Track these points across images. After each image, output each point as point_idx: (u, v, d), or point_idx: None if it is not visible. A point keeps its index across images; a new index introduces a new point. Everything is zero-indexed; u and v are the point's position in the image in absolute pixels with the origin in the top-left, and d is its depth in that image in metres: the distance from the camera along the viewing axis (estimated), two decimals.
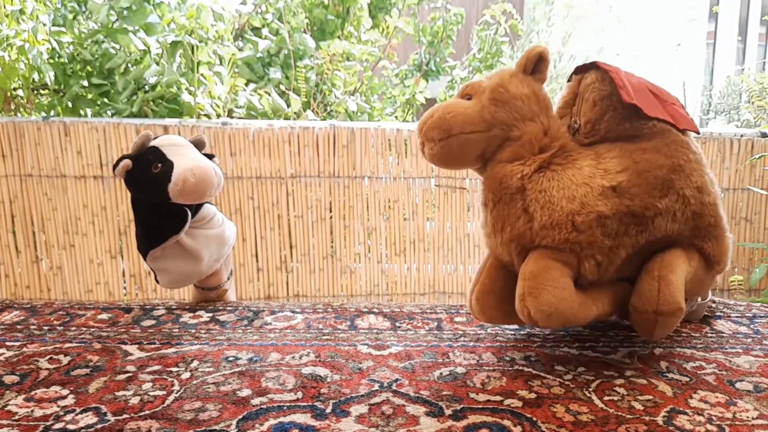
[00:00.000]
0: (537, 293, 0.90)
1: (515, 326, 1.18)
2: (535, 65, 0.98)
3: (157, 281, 1.36)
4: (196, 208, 1.31)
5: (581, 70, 1.04)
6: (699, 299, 1.21)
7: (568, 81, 1.07)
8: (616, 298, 1.00)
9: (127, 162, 1.22)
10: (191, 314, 1.29)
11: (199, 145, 1.33)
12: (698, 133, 1.03)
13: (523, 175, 0.95)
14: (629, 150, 0.97)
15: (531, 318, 0.91)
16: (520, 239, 0.95)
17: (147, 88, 3.06)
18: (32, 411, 0.83)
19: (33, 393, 0.89)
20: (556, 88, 4.97)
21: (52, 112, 3.28)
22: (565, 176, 0.94)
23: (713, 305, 1.36)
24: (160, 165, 1.22)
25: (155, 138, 1.29)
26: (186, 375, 0.95)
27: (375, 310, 1.32)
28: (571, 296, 0.92)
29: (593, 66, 1.02)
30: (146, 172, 1.23)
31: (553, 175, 0.95)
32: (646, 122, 0.98)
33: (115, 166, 1.23)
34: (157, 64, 3.02)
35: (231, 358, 1.02)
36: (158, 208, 1.27)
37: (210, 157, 1.32)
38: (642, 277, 0.97)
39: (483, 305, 1.04)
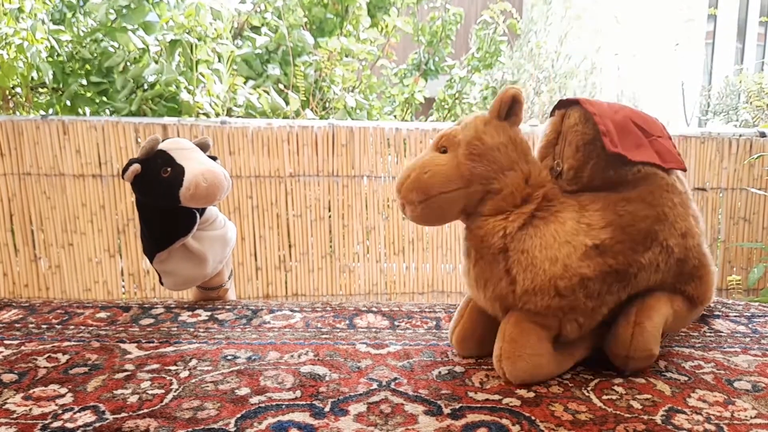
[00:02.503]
0: (514, 359, 0.91)
1: None
2: (509, 109, 0.94)
3: (162, 283, 1.36)
4: (201, 211, 1.32)
5: (564, 105, 1.00)
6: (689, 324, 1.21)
7: (551, 115, 1.03)
8: (593, 344, 1.00)
9: (136, 166, 1.23)
10: (190, 313, 1.29)
11: (203, 147, 1.33)
12: (684, 170, 1.00)
13: (506, 234, 0.92)
14: (613, 201, 0.94)
15: (507, 380, 0.92)
16: (502, 300, 0.94)
17: (146, 86, 3.06)
18: (30, 409, 0.83)
19: (31, 391, 0.89)
20: (554, 88, 4.98)
21: (50, 111, 3.28)
22: (548, 233, 0.92)
23: (712, 305, 1.36)
24: (170, 169, 1.23)
25: (162, 141, 1.29)
26: (185, 374, 0.95)
27: (374, 309, 1.32)
28: (547, 361, 0.93)
29: (575, 103, 0.98)
30: (156, 176, 1.23)
31: (536, 231, 0.92)
32: (630, 168, 0.95)
33: (124, 171, 1.23)
34: (156, 62, 3.02)
35: (229, 357, 1.02)
36: (166, 212, 1.27)
37: (213, 159, 1.32)
38: (619, 321, 0.96)
39: (463, 348, 1.04)
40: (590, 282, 0.90)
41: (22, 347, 1.07)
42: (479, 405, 0.84)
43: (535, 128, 2.42)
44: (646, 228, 0.93)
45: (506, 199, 0.94)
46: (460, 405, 0.84)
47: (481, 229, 0.95)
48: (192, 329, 1.18)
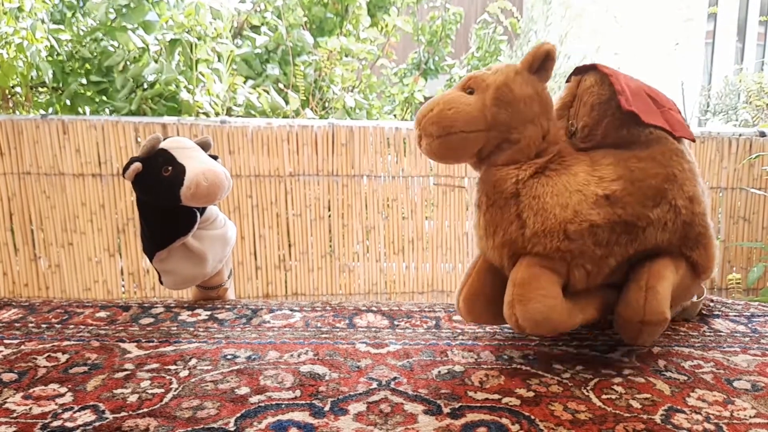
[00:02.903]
0: (526, 301, 0.90)
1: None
2: (541, 63, 0.96)
3: (162, 282, 1.36)
4: (202, 210, 1.32)
5: (580, 71, 1.03)
6: (695, 297, 1.21)
7: (567, 81, 1.06)
8: (603, 305, 1.00)
9: (137, 165, 1.22)
10: (189, 312, 1.29)
11: (204, 146, 1.33)
12: (693, 140, 1.03)
13: (518, 180, 0.94)
14: (624, 157, 0.96)
15: (519, 325, 0.91)
16: (511, 245, 0.95)
17: (145, 86, 3.06)
18: (30, 409, 0.83)
19: (31, 391, 0.89)
20: (554, 87, 4.98)
21: (50, 110, 3.28)
22: (560, 182, 0.93)
23: (711, 304, 1.36)
24: (171, 168, 1.22)
25: (163, 140, 1.29)
26: (184, 373, 0.95)
27: (373, 308, 1.32)
28: (559, 305, 0.92)
29: (592, 68, 1.01)
30: (157, 175, 1.23)
31: (548, 180, 0.94)
32: (642, 129, 0.97)
33: (125, 169, 1.23)
34: (156, 61, 3.02)
35: (229, 356, 1.02)
36: (166, 211, 1.27)
37: (214, 158, 1.32)
38: (629, 286, 0.97)
39: (470, 307, 1.03)
40: (599, 229, 0.92)
41: (22, 346, 1.07)
42: (479, 404, 0.84)
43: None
44: (656, 185, 0.94)
45: (522, 151, 0.95)
46: (460, 404, 0.84)
47: (493, 176, 0.96)
48: (192, 329, 1.18)
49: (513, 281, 0.93)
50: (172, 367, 0.97)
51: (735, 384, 0.93)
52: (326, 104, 3.56)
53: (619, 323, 0.98)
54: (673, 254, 0.99)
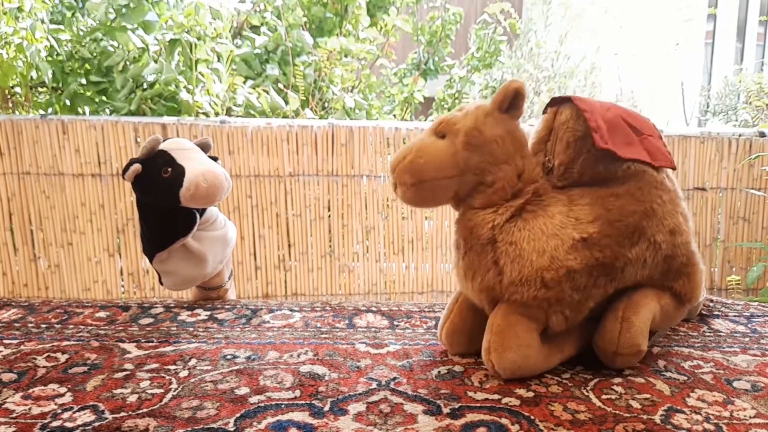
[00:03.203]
0: (502, 350, 0.91)
1: None
2: (512, 101, 0.94)
3: (162, 283, 1.36)
4: (202, 211, 1.32)
5: (556, 103, 1.01)
6: (676, 323, 1.21)
7: (544, 113, 1.04)
8: (581, 341, 1.00)
9: (137, 166, 1.22)
10: (189, 312, 1.29)
11: (204, 147, 1.33)
12: (674, 168, 1.01)
13: (494, 225, 0.93)
14: (601, 196, 0.95)
15: (495, 372, 0.93)
16: (489, 291, 0.95)
17: (145, 86, 3.06)
18: (30, 409, 0.83)
19: (31, 391, 0.89)
20: (554, 88, 4.98)
21: (50, 110, 3.28)
22: (536, 226, 0.92)
23: (711, 304, 1.36)
24: (170, 169, 1.22)
25: (163, 141, 1.29)
26: (184, 373, 0.95)
27: (373, 308, 1.32)
28: (535, 353, 0.93)
29: (568, 100, 0.99)
30: (156, 176, 1.23)
31: (525, 224, 0.93)
32: (620, 164, 0.95)
33: (124, 171, 1.23)
34: (156, 62, 3.02)
35: (229, 357, 1.02)
36: (166, 212, 1.27)
37: (213, 159, 1.32)
38: (606, 316, 0.97)
39: (453, 342, 1.04)
40: (577, 275, 0.91)
41: (22, 347, 1.07)
42: (478, 404, 0.84)
43: (533, 128, 2.42)
44: (634, 223, 0.93)
45: (497, 193, 0.95)
46: (460, 404, 0.84)
47: (470, 221, 0.96)
48: (191, 329, 1.18)
49: (490, 328, 0.94)
50: (172, 367, 0.97)
51: (735, 384, 0.93)
52: (326, 104, 3.56)
53: (596, 351, 0.99)
54: (655, 286, 0.99)
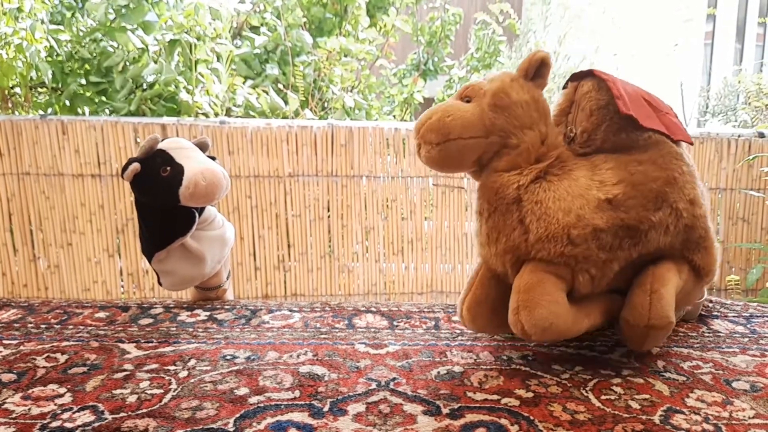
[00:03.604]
0: (532, 307, 0.90)
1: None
2: (537, 70, 0.97)
3: (160, 284, 1.36)
4: (200, 210, 1.32)
5: (577, 77, 1.03)
6: (696, 300, 1.21)
7: (564, 87, 1.06)
8: (607, 311, 1.00)
9: (136, 165, 1.22)
10: (189, 313, 1.29)
11: (202, 147, 1.33)
12: (691, 143, 1.03)
13: (520, 186, 0.94)
14: (624, 161, 0.96)
15: (525, 332, 0.91)
16: (515, 251, 0.95)
17: (145, 86, 3.06)
18: (29, 409, 0.83)
19: (30, 391, 0.89)
20: (553, 88, 4.98)
21: (49, 111, 3.27)
22: (561, 187, 0.93)
23: (710, 305, 1.36)
24: (169, 168, 1.23)
25: (161, 141, 1.29)
26: (183, 373, 0.95)
27: (373, 309, 1.32)
28: (565, 310, 0.92)
29: (590, 73, 1.01)
30: (155, 175, 1.23)
31: (550, 185, 0.94)
32: (641, 133, 0.97)
33: (123, 170, 1.23)
34: (155, 62, 3.02)
35: (228, 357, 1.02)
36: (165, 211, 1.27)
37: (211, 159, 1.32)
38: (634, 291, 0.97)
39: (474, 315, 1.03)
40: (602, 233, 0.92)
41: (21, 347, 1.07)
42: (478, 405, 0.84)
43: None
44: (657, 188, 0.94)
45: (521, 155, 0.95)
46: (459, 405, 0.84)
47: (495, 182, 0.96)
48: (191, 329, 1.18)
49: (517, 287, 0.93)
50: (172, 368, 0.97)
51: (734, 384, 0.93)
52: (325, 104, 3.56)
53: (624, 329, 0.98)
54: (675, 258, 0.99)
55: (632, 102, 0.96)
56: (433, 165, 0.98)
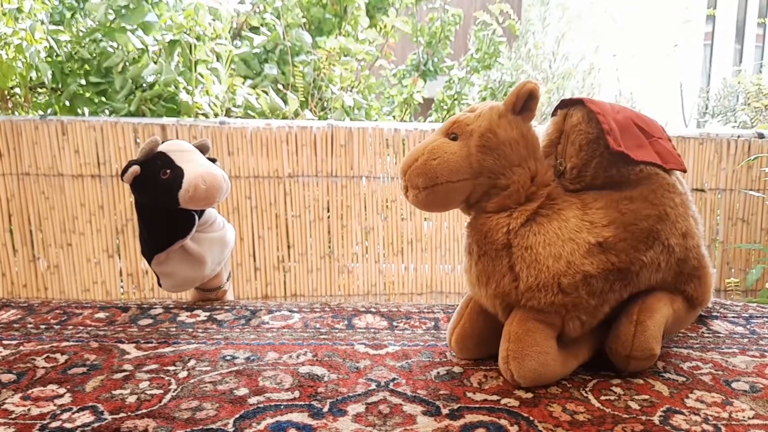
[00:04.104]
0: (521, 359, 0.90)
1: None
2: (525, 103, 0.93)
3: (160, 285, 1.36)
4: (200, 212, 1.32)
5: (566, 105, 1.01)
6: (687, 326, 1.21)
7: (553, 115, 1.04)
8: (596, 345, 1.00)
9: (136, 168, 1.23)
10: (188, 313, 1.29)
11: (203, 149, 1.33)
12: (684, 171, 1.01)
13: (509, 230, 0.92)
14: (615, 199, 0.94)
15: (515, 381, 0.91)
16: (505, 297, 0.94)
17: (145, 86, 3.06)
18: (29, 410, 0.83)
19: (30, 392, 0.89)
20: (552, 89, 4.98)
21: (49, 111, 3.27)
22: (551, 230, 0.92)
23: (710, 305, 1.36)
24: (169, 171, 1.23)
25: (161, 143, 1.29)
26: (183, 374, 0.95)
27: (372, 309, 1.32)
28: (554, 359, 0.92)
29: (579, 102, 0.99)
30: (155, 178, 1.23)
31: (540, 228, 0.92)
32: (633, 167, 0.95)
33: (123, 172, 1.23)
34: (155, 62, 3.02)
35: (228, 357, 1.02)
36: (165, 213, 1.27)
37: (212, 161, 1.32)
38: (621, 319, 0.96)
39: (462, 348, 1.03)
40: (593, 279, 0.91)
41: (21, 347, 1.07)
42: (477, 405, 0.84)
43: (541, 130, 2.43)
44: (649, 227, 0.93)
45: (511, 196, 0.94)
46: (459, 405, 0.84)
47: (484, 225, 0.95)
48: (191, 329, 1.18)
49: (507, 336, 0.93)
50: (171, 368, 0.97)
51: (733, 385, 0.93)
52: (325, 104, 3.56)
53: (609, 354, 0.98)
54: (668, 289, 0.99)
55: (623, 132, 0.94)
56: (422, 207, 0.97)
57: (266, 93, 3.22)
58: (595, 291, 0.91)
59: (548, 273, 0.90)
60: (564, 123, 1.00)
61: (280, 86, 3.46)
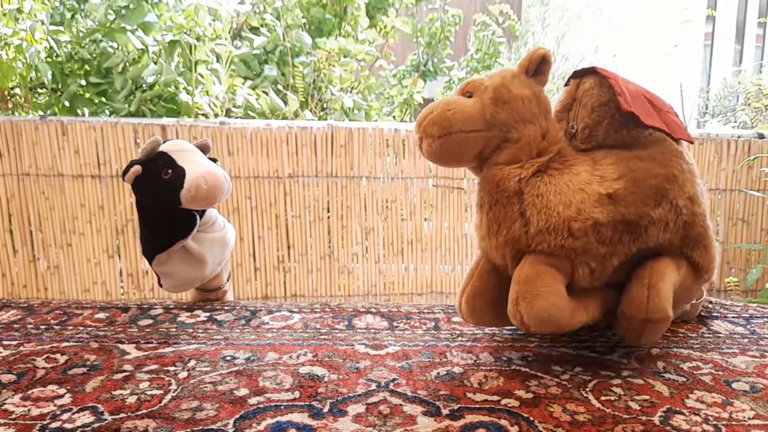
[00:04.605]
0: (531, 298, 0.90)
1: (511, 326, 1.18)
2: (537, 67, 0.98)
3: (161, 285, 1.36)
4: (201, 213, 1.32)
5: (579, 75, 1.04)
6: (694, 299, 1.21)
7: (566, 85, 1.07)
8: (606, 305, 1.00)
9: (137, 168, 1.23)
10: (188, 314, 1.29)
11: (204, 149, 1.33)
12: (691, 142, 1.04)
13: (521, 179, 0.95)
14: (625, 157, 0.97)
15: (523, 323, 0.91)
16: (515, 243, 0.95)
17: (145, 87, 3.06)
18: (29, 410, 0.83)
19: (30, 392, 0.89)
20: (552, 89, 4.98)
21: (49, 111, 3.28)
22: (562, 181, 0.94)
23: (710, 306, 1.36)
24: (171, 171, 1.23)
25: (163, 143, 1.29)
26: (183, 374, 0.95)
27: (372, 309, 1.32)
28: (564, 303, 0.92)
29: (592, 71, 1.02)
30: (157, 178, 1.23)
31: (550, 179, 0.94)
32: (642, 131, 0.98)
33: (124, 172, 1.23)
34: (155, 63, 3.02)
35: (228, 358, 1.02)
36: (166, 213, 1.27)
37: (213, 161, 1.33)
38: (632, 284, 0.97)
39: (473, 307, 1.03)
40: (603, 227, 0.92)
41: (21, 348, 1.07)
42: (478, 406, 0.84)
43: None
44: (657, 184, 0.95)
45: (522, 149, 0.96)
46: (459, 406, 0.84)
47: (496, 175, 0.97)
48: (191, 330, 1.18)
49: (517, 279, 0.93)
50: (171, 369, 0.97)
51: (734, 385, 0.93)
52: (325, 105, 3.56)
53: (622, 322, 0.98)
54: (674, 254, 0.99)
55: (633, 99, 0.97)
56: (435, 158, 0.99)
57: (266, 93, 3.22)
58: (605, 239, 0.93)
59: (558, 218, 0.91)
60: (577, 90, 1.03)
61: (280, 87, 3.46)
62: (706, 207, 1.02)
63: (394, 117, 4.41)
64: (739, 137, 2.68)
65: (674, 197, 0.95)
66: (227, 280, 1.46)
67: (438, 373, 0.97)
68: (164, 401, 0.85)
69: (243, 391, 0.88)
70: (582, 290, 0.97)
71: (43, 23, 3.06)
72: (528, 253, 0.95)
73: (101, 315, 1.28)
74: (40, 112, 3.26)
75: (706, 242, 1.01)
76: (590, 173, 0.95)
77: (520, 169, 0.96)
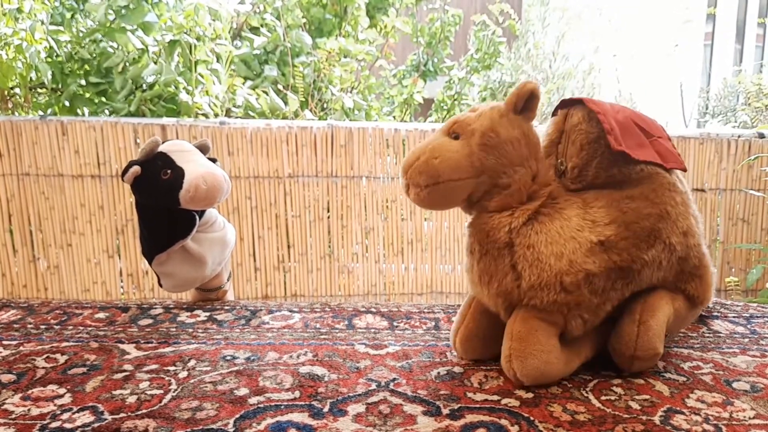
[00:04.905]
0: (523, 357, 0.90)
1: None
2: (525, 103, 0.93)
3: (161, 285, 1.36)
4: (201, 213, 1.32)
5: (566, 104, 1.01)
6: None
7: (553, 115, 1.04)
8: (598, 343, 1.00)
9: (136, 168, 1.23)
10: (188, 313, 1.29)
11: (203, 149, 1.33)
12: (685, 170, 1.01)
13: (511, 229, 0.92)
14: (616, 198, 0.94)
15: (517, 380, 0.91)
16: (507, 296, 0.94)
17: (145, 87, 3.06)
18: (29, 410, 0.83)
19: (30, 392, 0.88)
20: (552, 89, 4.98)
21: (49, 111, 3.27)
22: (553, 229, 0.92)
23: (710, 305, 1.36)
24: (170, 171, 1.23)
25: (162, 143, 1.29)
26: (183, 374, 0.95)
27: (372, 309, 1.32)
28: (556, 358, 0.92)
29: (579, 102, 0.99)
30: (156, 178, 1.23)
31: (541, 227, 0.92)
32: (633, 167, 0.95)
33: (124, 173, 1.23)
34: (155, 63, 3.02)
35: (228, 358, 1.02)
36: (165, 214, 1.27)
37: (212, 161, 1.32)
38: (623, 319, 0.96)
39: (467, 349, 1.03)
40: (595, 278, 0.91)
41: (21, 348, 1.07)
42: (478, 405, 0.84)
43: (542, 130, 2.43)
44: (650, 225, 0.93)
45: (513, 195, 0.94)
46: (459, 405, 0.84)
47: (486, 224, 0.94)
48: (191, 330, 1.18)
49: (510, 335, 0.93)
50: (171, 368, 0.97)
51: (734, 385, 0.93)
52: (325, 105, 3.56)
53: (612, 354, 0.98)
54: (669, 287, 0.99)
55: (623, 132, 0.94)
56: (423, 206, 0.96)
57: (266, 93, 3.22)
58: (598, 289, 0.91)
59: (550, 272, 0.90)
60: (564, 123, 1.00)
61: (280, 87, 3.46)
62: (701, 234, 1.00)
63: (394, 117, 4.41)
64: (739, 137, 2.68)
65: (667, 236, 0.94)
66: (227, 280, 1.46)
67: (438, 372, 0.97)
68: (164, 401, 0.85)
69: (243, 391, 0.88)
70: (574, 337, 0.96)
71: (42, 23, 3.06)
72: (520, 306, 0.94)
73: (101, 315, 1.28)
74: (40, 112, 3.26)
75: (702, 272, 1.01)
76: (581, 217, 0.93)
77: (511, 218, 0.93)
